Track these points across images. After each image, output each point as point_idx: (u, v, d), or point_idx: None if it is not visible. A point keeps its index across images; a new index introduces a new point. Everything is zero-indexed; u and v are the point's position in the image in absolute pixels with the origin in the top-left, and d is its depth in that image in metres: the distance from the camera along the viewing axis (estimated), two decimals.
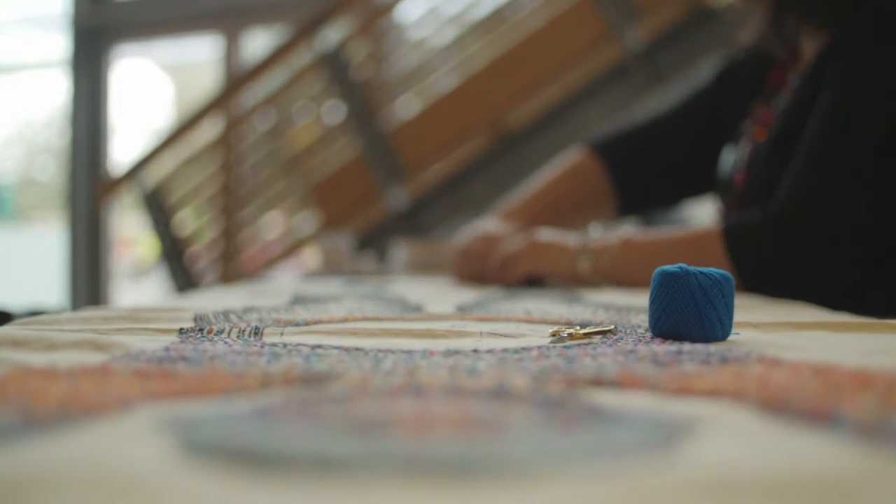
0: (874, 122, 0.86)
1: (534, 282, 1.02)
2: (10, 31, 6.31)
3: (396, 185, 3.37)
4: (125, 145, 5.35)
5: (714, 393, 0.32)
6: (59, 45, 5.20)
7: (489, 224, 1.18)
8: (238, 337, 0.52)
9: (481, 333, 0.53)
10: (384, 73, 3.53)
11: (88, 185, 4.77)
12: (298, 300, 0.81)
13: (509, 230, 1.13)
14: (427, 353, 0.44)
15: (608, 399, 0.32)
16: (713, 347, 0.45)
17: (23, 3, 6.49)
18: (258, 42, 4.74)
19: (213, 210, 3.85)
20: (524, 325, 0.59)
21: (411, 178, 3.36)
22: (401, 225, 3.25)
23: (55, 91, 5.90)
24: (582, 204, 1.22)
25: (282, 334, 0.54)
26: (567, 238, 0.99)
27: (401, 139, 3.38)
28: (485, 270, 1.08)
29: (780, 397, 0.30)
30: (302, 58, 3.53)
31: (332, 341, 0.50)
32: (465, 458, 0.23)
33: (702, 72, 2.44)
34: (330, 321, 0.61)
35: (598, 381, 0.35)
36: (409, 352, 0.45)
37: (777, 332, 0.53)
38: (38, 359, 0.40)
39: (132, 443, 0.25)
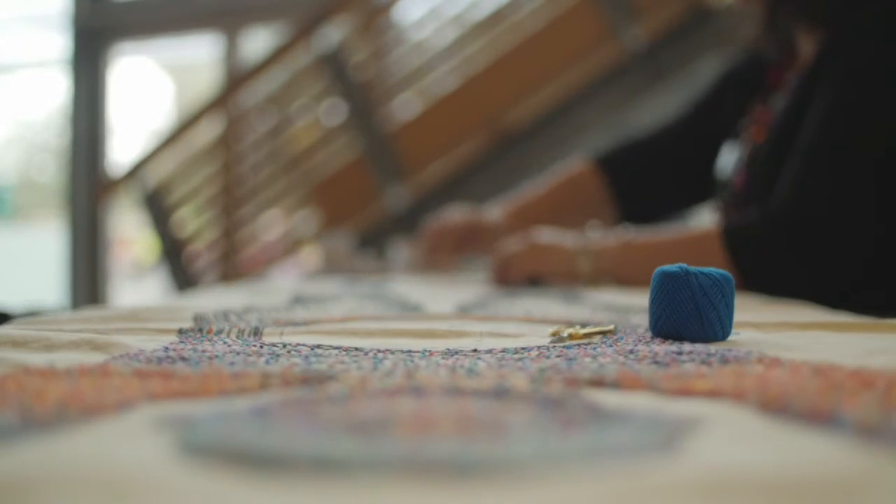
0: (873, 122, 0.86)
1: (534, 282, 1.02)
2: (9, 29, 6.31)
3: (396, 185, 3.37)
4: (125, 145, 5.35)
5: (714, 393, 0.32)
6: (59, 44, 5.20)
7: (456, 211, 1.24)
8: (237, 337, 0.51)
9: (481, 333, 0.53)
10: (385, 73, 3.53)
11: (88, 185, 4.77)
12: (298, 300, 0.81)
13: (477, 216, 1.18)
14: (427, 353, 0.44)
15: (608, 399, 0.32)
16: (713, 347, 0.45)
17: (21, 1, 6.49)
18: (258, 41, 4.73)
19: (212, 209, 3.85)
20: (524, 325, 0.59)
21: (411, 178, 3.36)
22: (401, 224, 3.25)
23: (54, 90, 5.90)
24: (578, 213, 1.23)
25: (281, 334, 0.54)
26: (567, 239, 0.99)
27: (401, 138, 3.38)
28: (459, 242, 1.12)
29: (781, 397, 0.30)
30: (302, 57, 3.53)
31: (332, 341, 0.50)
32: (465, 458, 0.22)
33: (704, 74, 2.44)
34: (329, 321, 0.61)
35: (598, 382, 0.35)
36: (409, 352, 0.45)
37: (777, 332, 0.53)
38: (37, 359, 0.40)
39: (131, 443, 0.25)
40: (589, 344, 0.48)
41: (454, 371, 0.38)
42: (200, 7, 4.71)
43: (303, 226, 3.70)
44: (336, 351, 0.45)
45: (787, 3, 0.98)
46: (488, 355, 0.43)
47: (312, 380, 0.35)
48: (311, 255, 3.69)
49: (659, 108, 2.99)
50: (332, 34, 3.44)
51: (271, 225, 3.86)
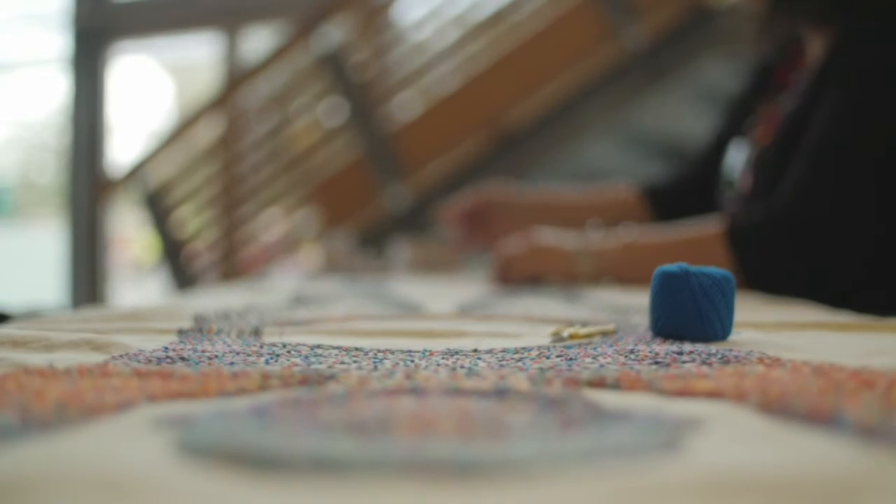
0: (878, 123, 0.86)
1: (534, 282, 1.02)
2: (8, 28, 6.30)
3: (397, 184, 3.37)
4: (125, 144, 5.35)
5: (715, 393, 0.32)
6: (58, 42, 5.19)
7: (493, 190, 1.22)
8: (238, 337, 0.51)
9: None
10: (385, 73, 3.53)
11: (88, 185, 4.77)
12: (298, 299, 0.81)
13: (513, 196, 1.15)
14: (427, 353, 0.44)
15: (609, 399, 0.32)
16: (714, 347, 0.45)
17: (20, 0, 6.48)
18: (259, 40, 4.73)
19: (213, 209, 3.85)
20: (524, 325, 0.59)
21: (412, 177, 3.36)
22: (401, 224, 3.25)
23: (54, 90, 5.90)
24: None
25: (281, 334, 0.53)
26: (567, 240, 0.99)
27: (401, 138, 3.38)
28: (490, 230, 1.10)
29: (782, 397, 0.30)
30: (303, 57, 3.53)
31: (332, 341, 0.50)
32: (465, 458, 0.22)
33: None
34: (329, 320, 0.61)
35: (599, 382, 0.35)
36: (409, 352, 0.45)
37: (778, 332, 0.53)
38: (36, 359, 0.40)
39: (131, 443, 0.25)
40: (589, 344, 0.48)
41: (454, 371, 0.38)
42: (201, 6, 4.71)
43: (303, 225, 3.70)
44: (336, 351, 0.45)
45: (782, 4, 0.98)
46: (488, 355, 0.43)
47: (312, 380, 0.35)
48: (311, 255, 3.69)
49: (659, 108, 2.99)
50: (333, 33, 3.44)
51: (271, 224, 3.86)
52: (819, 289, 0.82)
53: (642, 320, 0.59)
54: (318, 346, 0.46)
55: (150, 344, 0.46)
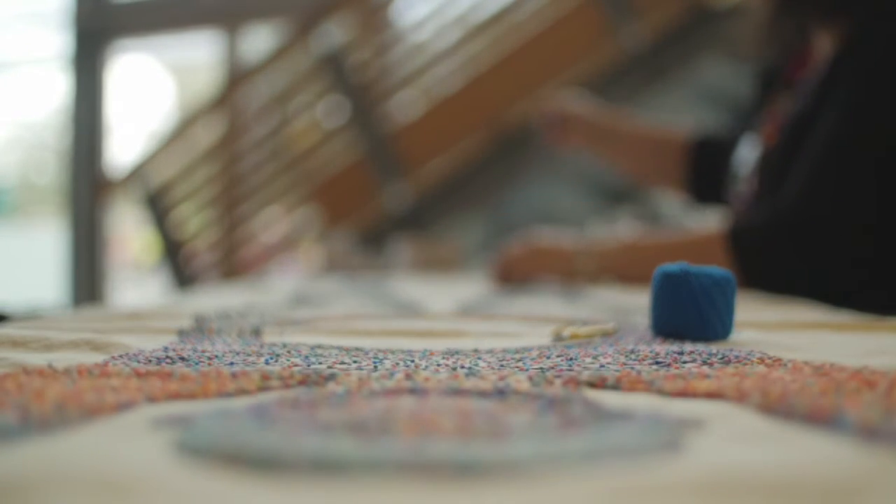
0: (882, 124, 0.86)
1: (534, 282, 1.02)
2: (7, 27, 6.30)
3: (398, 184, 3.37)
4: (125, 144, 5.35)
5: (716, 393, 0.32)
6: (57, 41, 5.19)
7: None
8: (238, 337, 0.51)
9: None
10: (386, 72, 3.53)
11: (88, 184, 4.77)
12: (299, 299, 0.81)
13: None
14: (427, 353, 0.44)
15: (609, 399, 0.32)
16: (714, 347, 0.45)
17: None
18: (260, 39, 4.73)
19: (213, 209, 3.85)
20: (525, 325, 0.59)
21: (413, 177, 3.36)
22: (402, 223, 3.26)
23: (54, 89, 5.89)
24: (653, 163, 1.27)
25: (281, 334, 0.53)
26: (568, 242, 0.99)
27: (402, 138, 3.38)
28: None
29: (782, 397, 0.30)
30: (304, 56, 3.53)
31: (332, 341, 0.50)
32: (465, 458, 0.22)
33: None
34: (330, 320, 0.61)
35: (599, 382, 0.35)
36: (409, 352, 0.44)
37: (779, 332, 0.53)
38: (36, 359, 0.40)
39: (130, 443, 0.25)
40: (589, 343, 0.48)
41: (454, 371, 0.38)
42: (201, 4, 4.71)
43: (304, 225, 3.70)
44: (336, 351, 0.44)
45: (788, 4, 0.98)
46: (489, 355, 0.43)
47: (312, 380, 0.35)
48: (311, 254, 3.69)
49: (659, 107, 2.99)
50: (334, 33, 3.44)
51: (272, 224, 3.86)
52: (821, 289, 0.82)
53: (643, 320, 0.59)
54: (318, 346, 0.46)
55: (150, 344, 0.46)
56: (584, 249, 0.96)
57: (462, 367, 0.39)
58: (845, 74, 0.89)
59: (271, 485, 0.21)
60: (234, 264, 3.69)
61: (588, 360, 0.41)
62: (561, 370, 0.38)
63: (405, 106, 3.49)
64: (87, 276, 4.82)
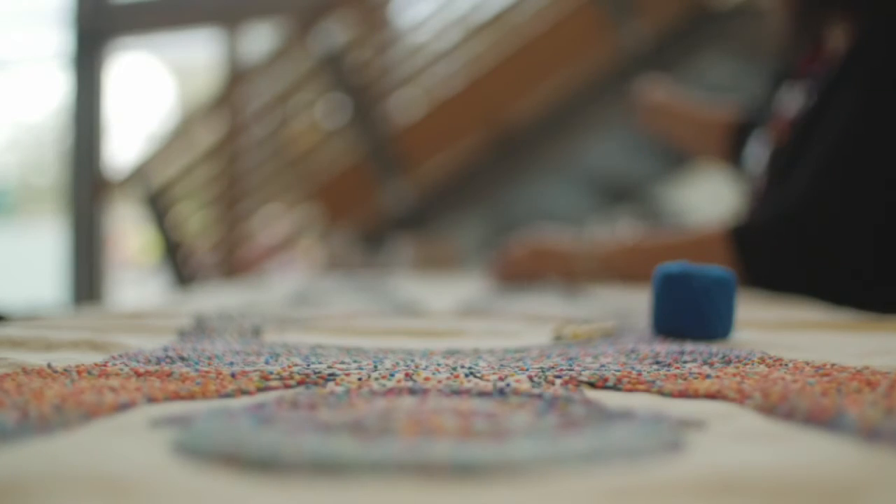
0: (889, 126, 0.86)
1: (534, 282, 1.02)
2: (7, 25, 6.30)
3: (398, 183, 3.37)
4: (126, 143, 5.35)
5: (716, 393, 0.32)
6: (57, 40, 5.19)
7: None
8: (238, 336, 0.51)
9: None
10: (387, 72, 3.53)
11: (88, 184, 4.77)
12: (299, 298, 0.81)
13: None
14: (427, 353, 0.44)
15: (609, 399, 0.32)
16: (715, 347, 0.45)
17: None
18: (261, 38, 4.73)
19: (213, 208, 3.85)
20: (525, 324, 0.59)
21: (413, 176, 3.36)
22: (403, 223, 3.26)
23: (54, 88, 5.89)
24: (698, 135, 1.34)
25: (281, 333, 0.53)
26: (568, 242, 0.99)
27: (403, 138, 3.38)
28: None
29: (783, 397, 0.30)
30: (305, 55, 3.53)
31: (332, 340, 0.49)
32: (464, 458, 0.22)
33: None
34: (330, 319, 0.61)
35: (600, 382, 0.35)
36: (409, 351, 0.44)
37: (780, 332, 0.53)
38: (36, 358, 0.40)
39: (130, 442, 0.25)
40: (590, 343, 0.48)
41: (454, 371, 0.38)
42: (201, 4, 4.70)
43: (304, 224, 3.70)
44: (336, 350, 0.44)
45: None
46: (489, 354, 0.43)
47: (312, 380, 0.35)
48: (312, 254, 3.69)
49: None
50: (334, 32, 3.44)
51: (272, 223, 3.86)
52: (825, 288, 0.82)
53: (643, 319, 0.59)
54: (319, 346, 0.46)
55: (150, 344, 0.46)
56: (585, 249, 0.96)
57: (462, 366, 0.39)
58: (854, 74, 0.89)
59: (271, 485, 0.21)
60: (235, 264, 3.69)
61: (588, 359, 0.41)
62: (561, 370, 0.38)
63: (406, 105, 3.49)
64: (87, 275, 4.82)
